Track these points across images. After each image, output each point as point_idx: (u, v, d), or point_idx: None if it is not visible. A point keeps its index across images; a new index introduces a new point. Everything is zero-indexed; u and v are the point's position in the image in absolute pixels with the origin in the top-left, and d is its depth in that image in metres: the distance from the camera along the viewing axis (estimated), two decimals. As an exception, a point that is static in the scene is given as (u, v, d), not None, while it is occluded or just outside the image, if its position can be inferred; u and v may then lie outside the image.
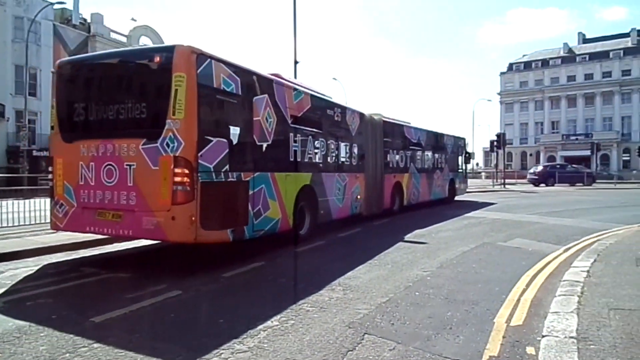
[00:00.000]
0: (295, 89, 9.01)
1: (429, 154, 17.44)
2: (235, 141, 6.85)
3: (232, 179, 6.82)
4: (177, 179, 5.94)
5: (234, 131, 6.90)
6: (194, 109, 6.05)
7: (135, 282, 5.90)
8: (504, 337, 4.01)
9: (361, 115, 12.10)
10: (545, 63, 68.16)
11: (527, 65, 70.09)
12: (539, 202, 19.68)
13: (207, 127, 6.34)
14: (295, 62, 19.13)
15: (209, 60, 6.44)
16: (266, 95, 7.81)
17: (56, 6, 31.90)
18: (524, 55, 73.10)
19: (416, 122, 16.51)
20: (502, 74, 71.57)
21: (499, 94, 70.31)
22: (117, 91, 6.77)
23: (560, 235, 9.95)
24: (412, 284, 5.76)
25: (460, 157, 21.08)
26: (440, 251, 8.01)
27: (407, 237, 9.49)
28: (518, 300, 5.12)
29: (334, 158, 10.51)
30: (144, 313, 4.58)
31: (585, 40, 69.90)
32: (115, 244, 8.49)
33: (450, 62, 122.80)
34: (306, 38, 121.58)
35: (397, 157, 14.49)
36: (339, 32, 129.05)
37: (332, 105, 10.73)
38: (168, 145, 5.98)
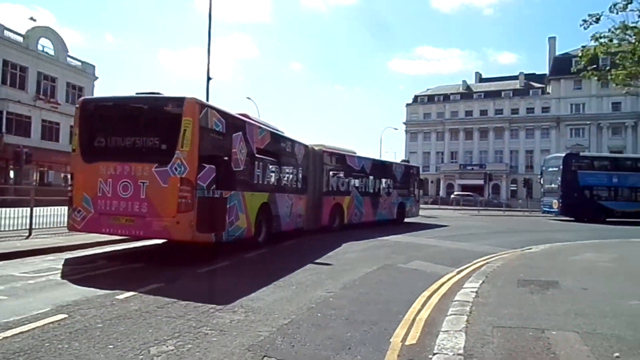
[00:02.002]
0: (259, 127, 11.19)
1: (374, 180, 18.88)
2: (220, 167, 8.80)
3: (217, 196, 8.78)
4: (182, 194, 7.86)
5: (219, 160, 8.95)
6: (196, 143, 8.04)
7: (15, 304, 5.31)
8: (399, 355, 4.16)
9: (305, 146, 14.35)
10: (446, 97, 73.61)
11: (430, 98, 75.20)
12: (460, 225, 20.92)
13: (203, 156, 8.26)
14: (209, 78, 18.95)
15: (207, 108, 8.61)
16: (240, 132, 9.94)
17: (-62, -4, 28.62)
18: (427, 89, 78.38)
19: (330, 144, 16.92)
20: (407, 105, 75.96)
21: (404, 123, 74.33)
22: (134, 127, 8.54)
23: (455, 258, 10.65)
24: (315, 305, 5.81)
25: (412, 184, 23.10)
26: (345, 272, 8.19)
27: (315, 258, 9.59)
28: (413, 320, 5.35)
29: (284, 182, 12.70)
30: (22, 340, 4.12)
31: (482, 80, 76.89)
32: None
33: (362, 90, 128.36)
34: (218, 55, 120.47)
35: (338, 182, 16.21)
36: (251, 50, 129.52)
37: (285, 139, 13.06)
38: (176, 169, 7.94)
